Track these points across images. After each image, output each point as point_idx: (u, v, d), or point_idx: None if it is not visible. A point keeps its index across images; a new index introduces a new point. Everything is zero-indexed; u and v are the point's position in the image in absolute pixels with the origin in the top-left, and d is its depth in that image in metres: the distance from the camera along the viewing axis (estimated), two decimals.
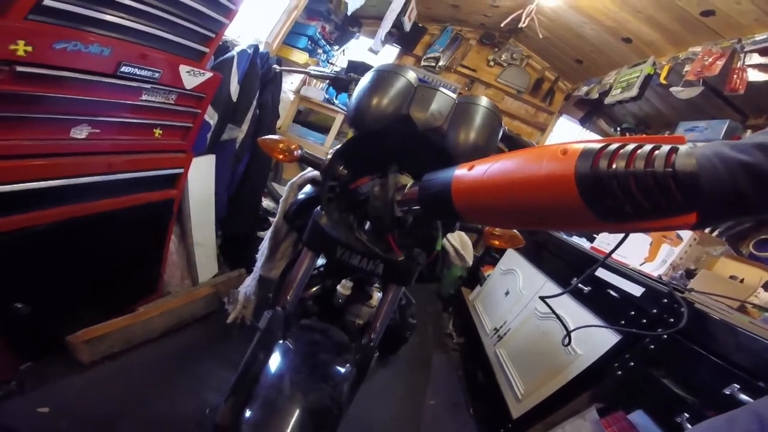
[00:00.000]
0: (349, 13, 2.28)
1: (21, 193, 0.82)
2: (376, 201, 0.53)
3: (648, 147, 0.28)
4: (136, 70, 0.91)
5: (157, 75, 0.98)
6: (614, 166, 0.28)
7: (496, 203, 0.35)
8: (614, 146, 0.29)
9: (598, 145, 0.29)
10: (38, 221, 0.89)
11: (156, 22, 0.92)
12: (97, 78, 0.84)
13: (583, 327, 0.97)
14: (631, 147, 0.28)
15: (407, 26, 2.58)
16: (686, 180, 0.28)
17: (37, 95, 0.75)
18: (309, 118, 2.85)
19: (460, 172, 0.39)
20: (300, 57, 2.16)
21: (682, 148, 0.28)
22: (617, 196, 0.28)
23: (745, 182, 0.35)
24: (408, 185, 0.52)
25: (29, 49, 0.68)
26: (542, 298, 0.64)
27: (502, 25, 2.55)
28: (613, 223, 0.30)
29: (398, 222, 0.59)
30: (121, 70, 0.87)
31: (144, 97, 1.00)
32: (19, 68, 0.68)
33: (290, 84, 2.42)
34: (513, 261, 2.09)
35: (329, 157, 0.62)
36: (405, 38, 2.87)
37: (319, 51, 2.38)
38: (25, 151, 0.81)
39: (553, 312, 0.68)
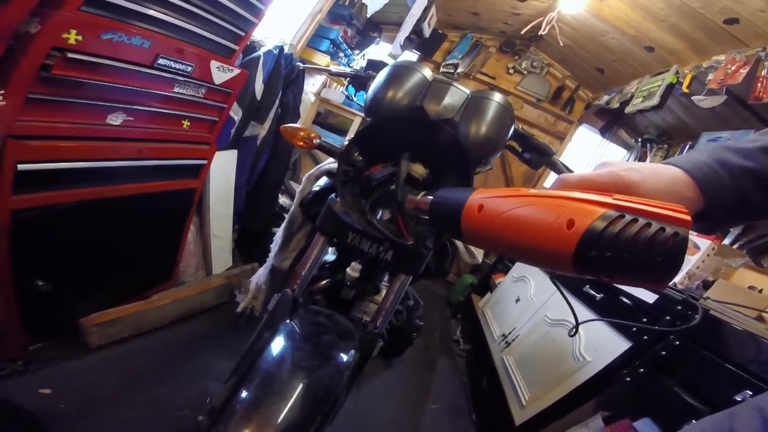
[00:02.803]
0: (368, 15, 2.34)
1: (55, 171, 0.88)
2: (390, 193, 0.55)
3: (657, 226, 0.28)
4: (172, 63, 0.98)
5: (189, 69, 1.05)
6: (620, 237, 0.28)
7: (500, 241, 0.37)
8: (631, 217, 0.29)
9: (608, 218, 0.29)
10: (68, 199, 0.94)
11: (193, 19, 0.99)
12: (136, 68, 0.91)
13: (593, 320, 0.95)
14: (643, 221, 0.29)
15: (427, 32, 2.62)
16: (673, 263, 0.28)
17: (81, 81, 0.82)
18: (328, 120, 2.92)
19: (474, 202, 0.40)
20: (322, 59, 2.22)
21: (681, 234, 0.28)
22: (605, 269, 0.29)
23: (751, 189, 0.34)
24: (421, 194, 0.54)
25: (79, 38, 0.74)
26: (551, 278, 0.64)
27: (522, 32, 2.56)
28: (587, 275, 0.31)
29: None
30: (158, 62, 0.94)
31: (176, 89, 1.06)
32: (70, 55, 0.74)
33: (311, 86, 2.50)
34: (525, 268, 2.07)
35: (345, 143, 0.65)
36: (424, 44, 2.91)
37: (341, 54, 2.45)
38: (63, 132, 0.87)
39: (563, 295, 0.67)
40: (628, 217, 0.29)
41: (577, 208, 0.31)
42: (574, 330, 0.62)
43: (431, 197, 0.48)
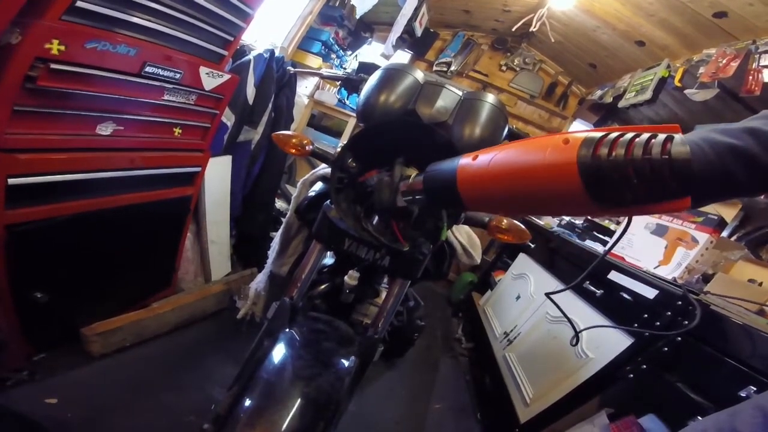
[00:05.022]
0: (358, 16, 2.33)
1: (47, 185, 0.87)
2: (381, 187, 0.54)
3: (645, 136, 0.30)
4: (160, 70, 0.96)
5: (178, 76, 1.03)
6: (614, 154, 0.29)
7: (501, 191, 0.36)
8: (613, 135, 0.30)
9: (598, 135, 0.31)
10: (62, 212, 0.93)
11: (179, 25, 0.97)
12: (123, 77, 0.89)
13: (593, 327, 0.95)
14: (629, 136, 0.30)
15: (418, 32, 2.61)
16: (680, 167, 0.29)
17: (67, 92, 0.80)
18: (322, 123, 2.91)
19: (465, 161, 0.39)
20: (314, 61, 2.21)
21: (677, 137, 0.29)
22: (617, 183, 0.29)
23: (734, 165, 0.36)
24: (412, 176, 0.53)
25: (63, 48, 0.73)
26: (548, 295, 0.64)
27: (513, 29, 2.56)
28: (610, 209, 0.31)
29: (403, 212, 0.60)
30: (146, 70, 0.92)
31: (166, 97, 1.05)
32: (53, 66, 0.73)
33: (304, 88, 2.48)
34: (525, 265, 2.07)
35: (338, 150, 0.64)
36: (417, 44, 2.90)
37: (333, 56, 2.44)
38: (53, 144, 0.86)
39: (560, 310, 0.68)
40: (616, 133, 0.30)
41: (569, 135, 0.32)
42: (575, 340, 0.62)
43: (422, 176, 0.48)
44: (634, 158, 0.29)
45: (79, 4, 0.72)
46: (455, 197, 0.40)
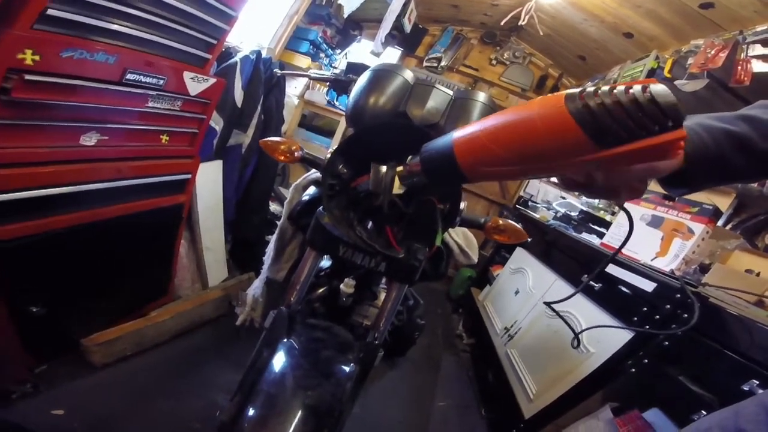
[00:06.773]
0: (345, 15, 2.30)
1: (34, 199, 0.84)
2: (378, 175, 0.53)
3: (622, 87, 0.31)
4: (142, 77, 0.93)
5: (162, 82, 1.00)
6: (599, 101, 0.31)
7: (499, 150, 0.37)
8: (591, 88, 0.32)
9: (577, 90, 0.33)
10: (52, 226, 0.91)
11: (159, 30, 0.94)
12: (104, 85, 0.86)
13: (592, 328, 0.95)
14: (606, 88, 0.32)
15: (407, 28, 2.60)
16: (665, 101, 0.30)
17: (46, 103, 0.77)
18: (314, 122, 2.88)
19: (459, 132, 0.41)
20: (303, 61, 2.18)
21: (654, 84, 0.31)
22: (609, 120, 0.31)
23: (729, 149, 0.37)
24: (408, 158, 0.51)
25: (37, 57, 0.70)
26: (547, 304, 0.63)
27: (502, 23, 2.55)
28: (612, 148, 0.32)
29: (397, 217, 0.58)
30: (127, 77, 0.89)
31: (150, 104, 1.02)
32: (28, 77, 0.70)
33: (294, 89, 2.45)
34: (522, 260, 2.07)
35: (329, 155, 0.63)
36: (406, 40, 2.88)
37: (322, 55, 2.41)
38: (36, 158, 0.83)
39: (560, 316, 0.67)
40: (592, 87, 0.32)
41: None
42: (575, 342, 0.61)
43: (419, 155, 0.47)
44: (620, 100, 0.31)
45: (50, 12, 0.69)
46: (454, 168, 0.40)
